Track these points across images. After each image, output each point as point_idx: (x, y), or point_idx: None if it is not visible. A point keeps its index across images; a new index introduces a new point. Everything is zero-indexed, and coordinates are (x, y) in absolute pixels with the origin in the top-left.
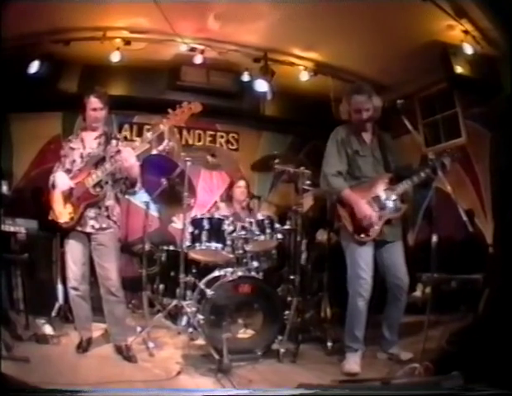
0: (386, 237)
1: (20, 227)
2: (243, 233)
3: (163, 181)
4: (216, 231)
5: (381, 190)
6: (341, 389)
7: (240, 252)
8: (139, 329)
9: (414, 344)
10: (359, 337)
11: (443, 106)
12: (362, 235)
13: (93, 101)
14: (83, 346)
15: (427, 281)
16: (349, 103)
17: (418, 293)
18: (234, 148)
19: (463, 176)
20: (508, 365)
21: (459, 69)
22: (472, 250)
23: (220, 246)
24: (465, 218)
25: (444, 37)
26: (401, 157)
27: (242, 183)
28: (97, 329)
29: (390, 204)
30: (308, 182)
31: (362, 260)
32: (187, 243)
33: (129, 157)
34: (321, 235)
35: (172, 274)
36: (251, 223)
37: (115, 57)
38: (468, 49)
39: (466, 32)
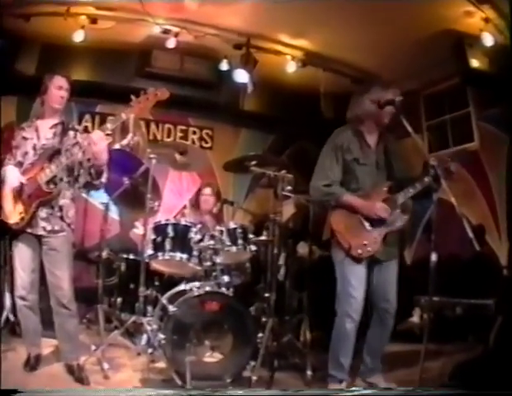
0: (380, 255)
1: None
2: (212, 242)
3: (125, 181)
4: (182, 239)
5: (379, 200)
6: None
7: (209, 264)
8: (93, 347)
9: (410, 376)
10: (345, 364)
11: (453, 106)
12: (360, 251)
13: (59, 79)
14: (31, 364)
15: (425, 305)
16: (369, 92)
17: (415, 318)
18: (207, 146)
19: (473, 187)
20: None
21: (475, 63)
22: (482, 272)
23: (185, 256)
24: (471, 234)
25: (460, 25)
26: (407, 165)
27: (207, 191)
28: (47, 345)
29: (390, 216)
30: (289, 188)
31: (354, 277)
32: (149, 252)
33: (99, 140)
34: (302, 248)
35: (131, 286)
36: (221, 231)
37: (78, 36)
38: (488, 40)
39: (486, 20)
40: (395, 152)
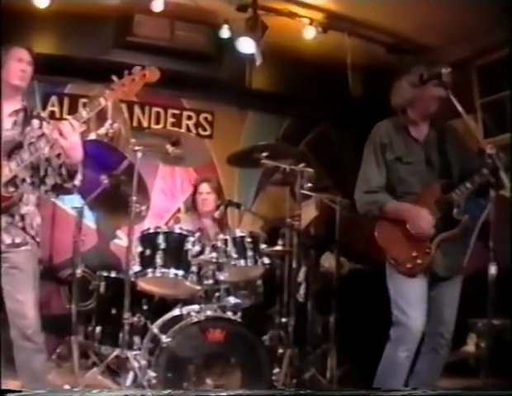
0: (438, 269)
1: None
2: (214, 255)
3: (104, 179)
4: (176, 252)
5: (431, 203)
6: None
7: (210, 282)
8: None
9: None
10: None
11: None
12: (409, 265)
13: (18, 51)
14: None
15: (483, 331)
16: (409, 73)
17: (470, 347)
18: (206, 134)
19: None
20: None
21: None
22: None
23: (181, 273)
24: None
25: None
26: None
27: (205, 187)
28: (9, 387)
29: (443, 219)
30: (309, 185)
31: (410, 293)
32: (135, 268)
33: (70, 133)
34: (327, 260)
35: (113, 312)
36: (226, 241)
37: (42, 0)
38: None
39: None
40: (452, 142)
